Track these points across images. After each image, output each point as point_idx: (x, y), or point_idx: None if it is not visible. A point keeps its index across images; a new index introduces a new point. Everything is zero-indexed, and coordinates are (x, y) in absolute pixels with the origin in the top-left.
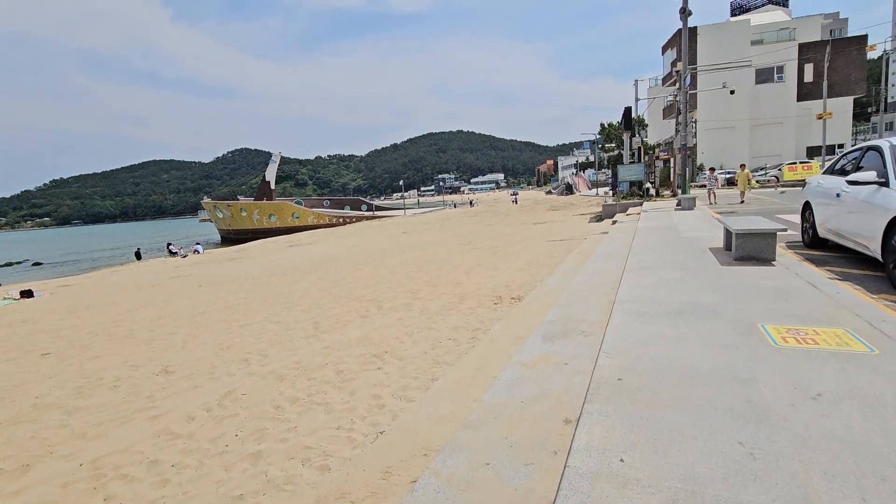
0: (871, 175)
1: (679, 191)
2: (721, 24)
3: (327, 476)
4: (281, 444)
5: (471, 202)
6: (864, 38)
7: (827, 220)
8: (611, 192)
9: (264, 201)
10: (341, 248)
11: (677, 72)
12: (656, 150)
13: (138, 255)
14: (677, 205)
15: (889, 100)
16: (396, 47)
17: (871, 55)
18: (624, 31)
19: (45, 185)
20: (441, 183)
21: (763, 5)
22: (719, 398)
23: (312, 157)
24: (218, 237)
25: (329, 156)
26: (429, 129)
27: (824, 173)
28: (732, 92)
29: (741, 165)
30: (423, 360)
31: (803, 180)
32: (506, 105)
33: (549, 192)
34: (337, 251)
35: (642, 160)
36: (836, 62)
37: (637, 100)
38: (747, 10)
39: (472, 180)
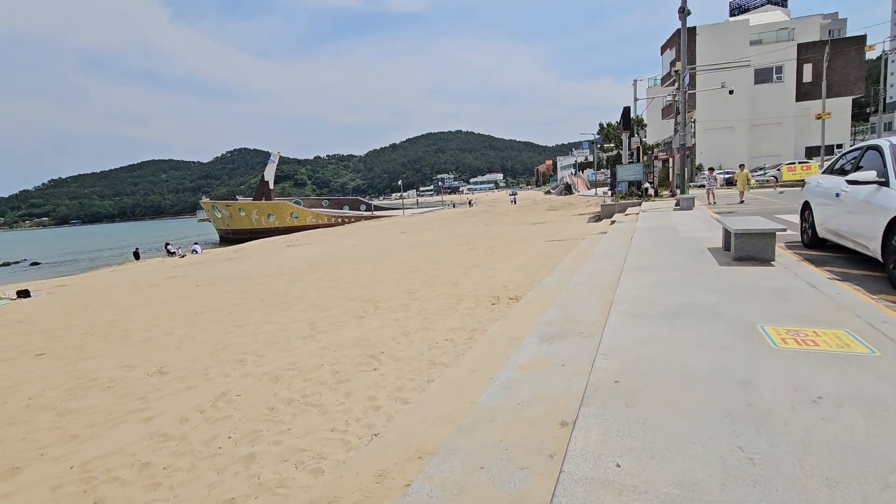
0: (870, 175)
1: (678, 191)
2: (720, 24)
3: (320, 479)
4: (274, 447)
5: (469, 202)
6: (862, 38)
7: (826, 220)
8: (609, 192)
9: (263, 201)
10: (339, 248)
11: (676, 71)
12: (655, 150)
13: (137, 255)
14: (676, 205)
15: (888, 100)
16: (395, 47)
17: (870, 55)
18: (623, 32)
19: (43, 184)
20: (440, 183)
21: (762, 5)
22: (718, 401)
23: (311, 157)
24: (216, 237)
25: (328, 156)
26: (428, 129)
27: (823, 173)
28: (731, 92)
29: (740, 165)
30: (420, 361)
31: (802, 180)
32: (505, 105)
33: (547, 193)
34: (335, 251)
35: (641, 160)
36: (834, 62)
37: (636, 100)
38: (746, 10)
39: (471, 180)
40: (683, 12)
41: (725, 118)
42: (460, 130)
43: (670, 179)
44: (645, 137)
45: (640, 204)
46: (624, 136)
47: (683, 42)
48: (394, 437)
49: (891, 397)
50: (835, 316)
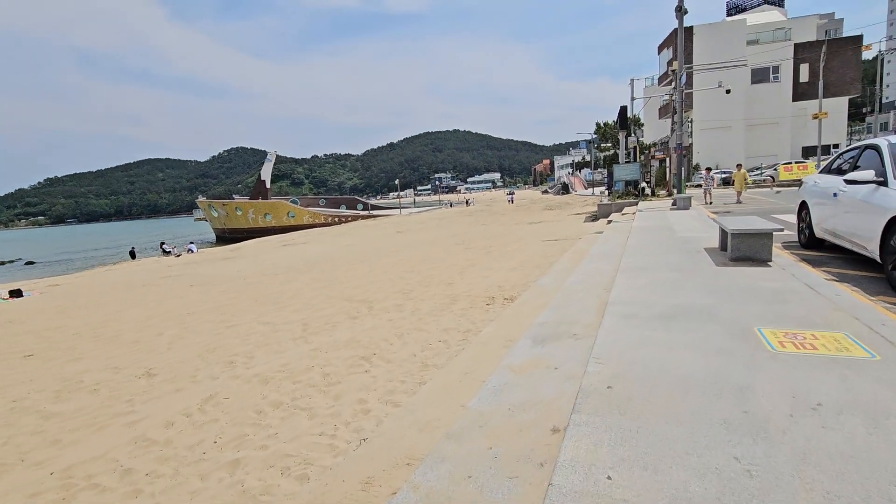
0: (869, 174)
1: (675, 190)
2: (717, 24)
3: (305, 486)
4: (260, 452)
5: (467, 202)
6: (859, 38)
7: (824, 220)
8: (606, 192)
9: (259, 200)
10: (336, 247)
11: (673, 71)
12: (652, 150)
13: (132, 255)
14: (673, 204)
15: (884, 100)
16: (394, 47)
17: (867, 55)
18: (621, 32)
19: (39, 183)
20: (437, 182)
21: (759, 5)
22: (714, 408)
23: (309, 157)
24: (213, 236)
25: (325, 155)
26: (425, 129)
27: (821, 173)
28: (728, 91)
29: (738, 165)
30: (412, 363)
31: (799, 180)
32: (503, 105)
33: (545, 192)
34: (331, 250)
35: (638, 160)
36: (831, 62)
37: (633, 99)
38: (743, 10)
39: (469, 180)
40: (680, 11)
41: (722, 118)
42: (458, 130)
43: (667, 179)
44: (642, 137)
45: (636, 203)
46: (621, 136)
47: (680, 41)
48: (382, 442)
49: (892, 404)
50: (833, 318)
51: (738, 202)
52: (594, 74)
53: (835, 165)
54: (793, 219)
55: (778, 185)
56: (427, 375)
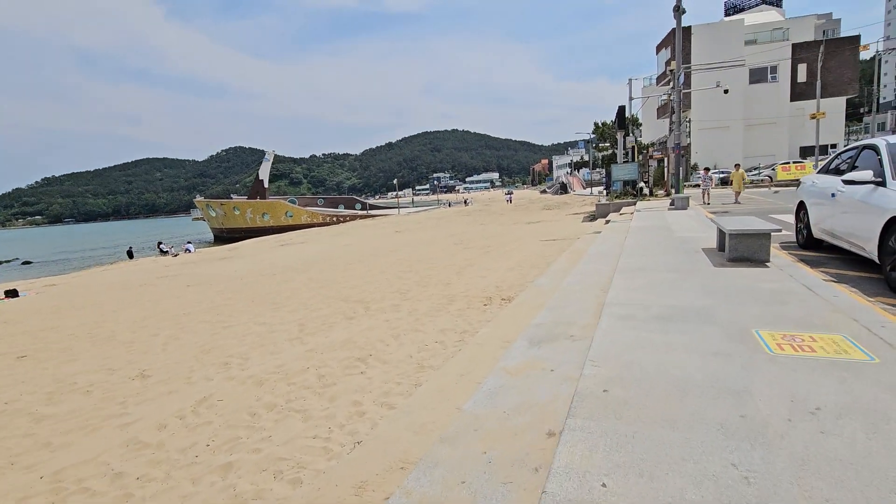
0: (867, 174)
1: (673, 190)
2: (715, 24)
3: (298, 490)
4: (253, 455)
5: (465, 201)
6: (856, 38)
7: (822, 220)
8: (605, 192)
9: (257, 200)
10: (333, 247)
11: (671, 71)
12: (650, 150)
13: (130, 254)
14: (671, 204)
15: (881, 100)
16: (393, 47)
17: (864, 56)
18: (620, 32)
19: (36, 182)
20: (436, 182)
21: (757, 5)
22: (711, 413)
23: (307, 156)
24: (211, 236)
25: (324, 154)
26: (424, 128)
27: (819, 173)
28: (726, 91)
29: (736, 165)
30: (408, 365)
31: (797, 180)
32: (501, 105)
33: (543, 192)
34: (329, 250)
35: (636, 159)
36: (829, 62)
37: (631, 99)
38: (741, 10)
39: (467, 179)
40: (678, 11)
41: (720, 118)
42: (456, 129)
43: (665, 179)
44: (640, 137)
45: (634, 203)
46: (619, 136)
47: (678, 41)
48: (376, 445)
49: (892, 408)
50: (831, 320)
51: (737, 202)
52: (593, 74)
53: (833, 165)
54: (791, 219)
55: (776, 185)
56: (423, 377)
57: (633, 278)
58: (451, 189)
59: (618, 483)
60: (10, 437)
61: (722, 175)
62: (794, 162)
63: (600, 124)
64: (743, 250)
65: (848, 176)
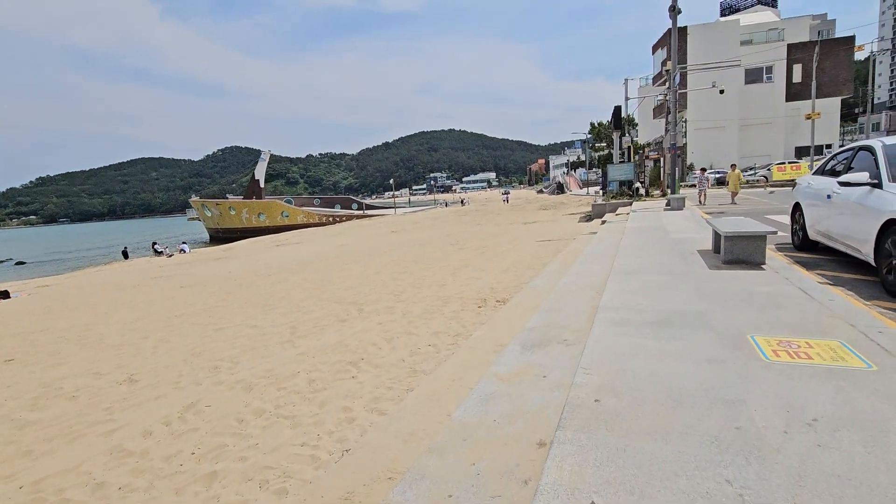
0: (863, 176)
1: (669, 191)
2: (711, 24)
3: (284, 501)
4: (239, 464)
5: (462, 201)
6: (851, 39)
7: (817, 221)
8: (601, 192)
9: (253, 200)
10: (329, 247)
11: (667, 71)
12: (646, 150)
13: (125, 255)
14: (667, 205)
15: (876, 101)
16: (390, 47)
17: (859, 56)
18: (617, 32)
19: (31, 182)
20: (433, 182)
21: (752, 6)
22: (705, 424)
23: (304, 156)
24: (206, 236)
25: (320, 154)
26: (421, 128)
27: (814, 174)
28: (722, 91)
29: (732, 165)
30: (400, 369)
31: (792, 180)
32: (498, 105)
33: (540, 192)
34: (324, 250)
35: (632, 160)
36: (824, 63)
37: (627, 99)
38: (737, 11)
39: (464, 179)
40: (674, 10)
41: (716, 118)
42: (453, 129)
43: (661, 179)
44: (636, 137)
45: (630, 204)
46: (615, 136)
47: (674, 41)
48: (365, 454)
49: (892, 421)
50: (828, 325)
51: (733, 202)
52: (590, 74)
53: (828, 167)
54: (786, 220)
55: (771, 186)
56: (415, 382)
57: (627, 281)
58: (447, 189)
59: (608, 501)
60: None
61: (718, 175)
62: (789, 162)
63: (596, 124)
64: (738, 252)
65: (844, 178)
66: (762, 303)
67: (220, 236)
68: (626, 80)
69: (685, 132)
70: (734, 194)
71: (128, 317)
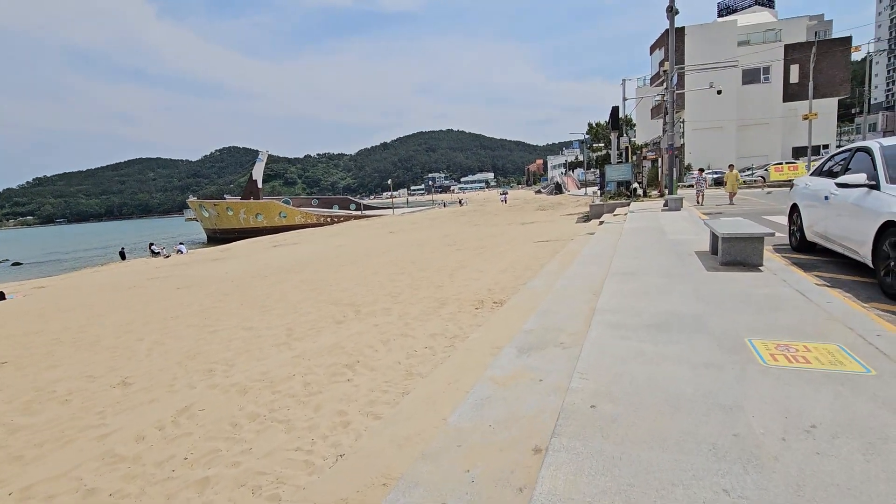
0: (860, 177)
1: (667, 191)
2: (708, 25)
3: None
4: (232, 469)
5: (460, 201)
6: (848, 39)
7: (815, 223)
8: (599, 192)
9: (251, 200)
10: (327, 248)
11: (665, 71)
12: (644, 150)
13: (122, 255)
14: (664, 205)
15: (872, 101)
16: (388, 47)
17: (855, 56)
18: (615, 33)
19: (27, 182)
20: (431, 182)
21: (750, 6)
22: (702, 431)
23: (302, 156)
24: (204, 237)
25: (318, 154)
26: (419, 128)
27: (812, 175)
28: (720, 92)
29: (729, 166)
30: (396, 371)
31: (790, 180)
32: (496, 105)
33: (538, 192)
34: (322, 251)
35: (630, 160)
36: (821, 63)
37: (625, 99)
38: (734, 11)
39: (462, 179)
40: (671, 11)
41: (714, 118)
42: (451, 129)
43: (659, 179)
44: (634, 137)
45: (628, 204)
46: (613, 136)
47: (672, 42)
48: (359, 459)
49: (890, 426)
50: (826, 328)
51: (731, 203)
52: (588, 75)
53: (826, 168)
54: (784, 220)
55: (769, 186)
56: (411, 385)
57: (624, 282)
58: (445, 189)
59: None
60: None
61: (716, 176)
62: (786, 162)
63: (594, 125)
64: (736, 254)
65: (841, 179)
66: (760, 305)
67: (218, 237)
68: (624, 80)
69: (683, 132)
70: (732, 195)
71: (123, 318)
